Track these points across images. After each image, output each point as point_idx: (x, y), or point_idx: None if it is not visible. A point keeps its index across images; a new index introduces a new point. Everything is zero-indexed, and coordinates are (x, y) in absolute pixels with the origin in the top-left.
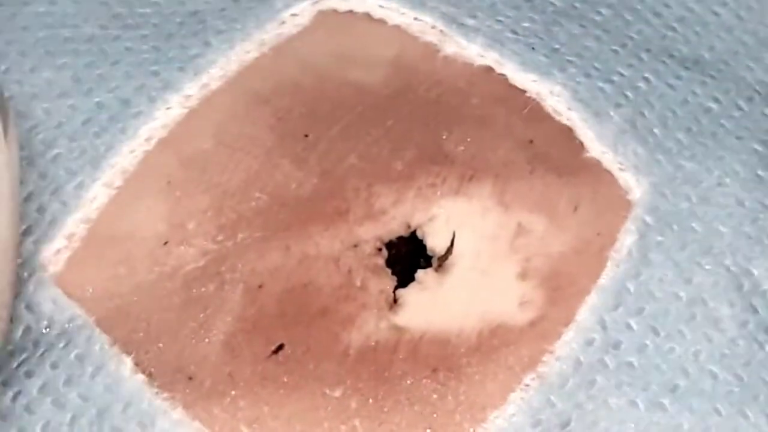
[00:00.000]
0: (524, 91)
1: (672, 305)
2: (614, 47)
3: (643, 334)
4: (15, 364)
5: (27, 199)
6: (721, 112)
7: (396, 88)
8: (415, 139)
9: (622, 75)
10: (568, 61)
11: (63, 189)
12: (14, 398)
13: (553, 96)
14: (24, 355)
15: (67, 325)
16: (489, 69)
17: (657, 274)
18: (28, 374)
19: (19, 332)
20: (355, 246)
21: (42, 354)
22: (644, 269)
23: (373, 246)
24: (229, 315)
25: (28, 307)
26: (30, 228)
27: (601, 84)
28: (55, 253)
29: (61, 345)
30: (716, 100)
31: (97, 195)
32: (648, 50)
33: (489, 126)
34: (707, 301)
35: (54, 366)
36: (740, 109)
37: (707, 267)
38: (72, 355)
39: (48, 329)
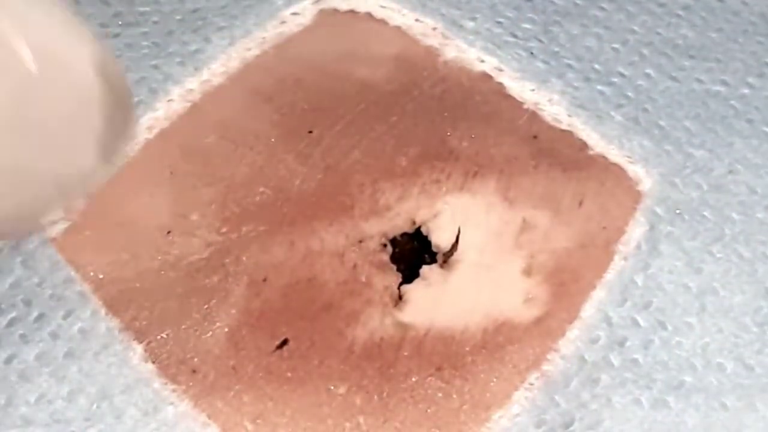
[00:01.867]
0: (522, 103)
1: (681, 297)
2: (615, 45)
3: (650, 329)
4: (4, 323)
5: None
6: (730, 93)
7: (400, 84)
8: (420, 135)
9: (622, 75)
10: (568, 65)
11: None
12: (8, 361)
13: (552, 104)
14: (13, 314)
15: (62, 289)
16: (488, 76)
17: (666, 266)
18: (24, 339)
19: (6, 285)
20: (360, 242)
21: (38, 318)
22: (653, 261)
23: (378, 242)
24: (234, 308)
25: (24, 262)
26: None
27: (600, 87)
28: (52, 222)
29: (61, 315)
30: (724, 83)
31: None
32: (650, 44)
33: (493, 122)
34: (718, 290)
35: (54, 336)
36: (751, 86)
37: (719, 255)
38: (75, 329)
39: (40, 287)
